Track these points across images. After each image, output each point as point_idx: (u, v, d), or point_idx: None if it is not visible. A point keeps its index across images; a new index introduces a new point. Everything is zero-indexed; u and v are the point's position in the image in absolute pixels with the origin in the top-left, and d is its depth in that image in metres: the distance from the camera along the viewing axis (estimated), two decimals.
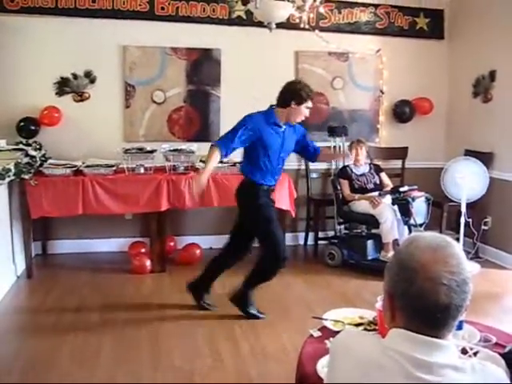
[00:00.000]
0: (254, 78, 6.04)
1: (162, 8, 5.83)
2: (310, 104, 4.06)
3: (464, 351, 1.82)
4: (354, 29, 6.34)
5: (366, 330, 2.13)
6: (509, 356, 1.68)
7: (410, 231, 5.27)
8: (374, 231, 5.63)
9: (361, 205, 5.45)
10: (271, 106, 4.13)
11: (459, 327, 1.91)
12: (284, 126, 4.10)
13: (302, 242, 6.34)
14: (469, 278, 1.27)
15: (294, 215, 5.62)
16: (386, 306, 1.35)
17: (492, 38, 5.92)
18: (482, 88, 6.07)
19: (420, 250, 1.29)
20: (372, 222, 5.36)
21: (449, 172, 5.56)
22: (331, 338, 2.02)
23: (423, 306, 1.25)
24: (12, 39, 5.53)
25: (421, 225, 5.23)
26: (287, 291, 4.92)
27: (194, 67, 5.99)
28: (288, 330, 3.97)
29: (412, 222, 5.15)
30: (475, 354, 1.81)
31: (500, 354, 1.75)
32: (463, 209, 5.56)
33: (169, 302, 4.54)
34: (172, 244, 5.79)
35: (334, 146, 6.16)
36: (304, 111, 4.06)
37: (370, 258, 5.45)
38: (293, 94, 4.01)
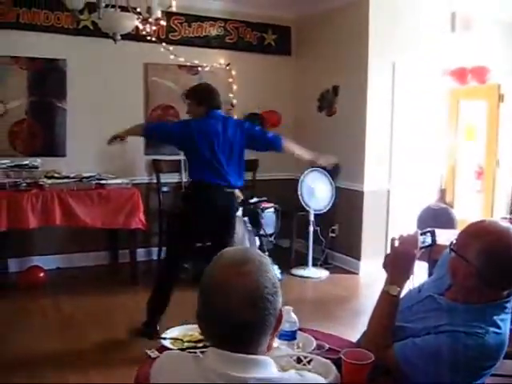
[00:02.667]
0: (103, 89, 5.86)
1: (1, 14, 5.46)
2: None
3: (299, 360, 1.85)
4: (204, 42, 6.39)
5: (205, 346, 2.09)
6: (339, 362, 1.73)
7: (261, 241, 5.38)
8: None
9: None
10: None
11: (292, 337, 1.94)
12: None
13: (155, 257, 6.22)
14: (271, 294, 1.28)
15: (145, 228, 5.48)
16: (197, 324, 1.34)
17: (334, 55, 6.25)
18: (327, 102, 6.36)
19: (217, 270, 1.29)
20: None
21: (304, 183, 5.77)
22: None
23: (224, 326, 1.25)
24: None
25: (271, 235, 5.36)
26: (141, 310, 4.78)
27: (36, 78, 5.67)
28: (140, 352, 3.85)
29: (262, 232, 5.26)
30: (309, 361, 1.84)
31: (333, 360, 1.80)
32: (311, 218, 5.78)
33: (13, 329, 4.22)
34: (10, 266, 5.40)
35: (185, 159, 6.10)
36: None
37: None
38: None
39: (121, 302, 4.92)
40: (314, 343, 2.02)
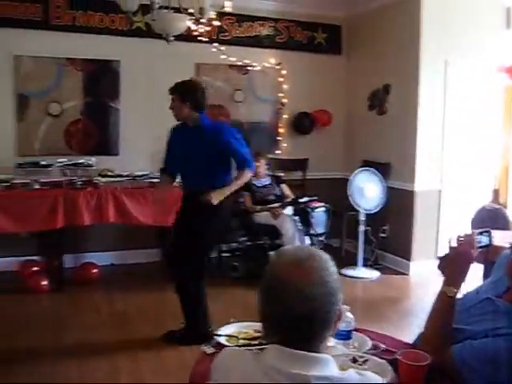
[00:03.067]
0: (155, 90, 5.93)
1: (58, 17, 5.64)
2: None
3: (354, 360, 1.85)
4: (255, 42, 6.42)
5: (260, 344, 2.11)
6: (394, 362, 1.73)
7: (312, 241, 5.38)
8: (276, 242, 5.68)
9: (263, 216, 5.49)
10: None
11: (348, 337, 1.94)
12: None
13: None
14: (334, 288, 1.29)
15: None
16: (261, 322, 1.35)
17: (385, 53, 6.18)
18: (377, 101, 6.30)
19: (281, 267, 1.30)
20: (274, 233, 5.41)
21: (353, 183, 5.72)
22: None
23: (289, 322, 1.26)
24: None
25: (321, 234, 5.35)
26: None
27: (91, 79, 5.83)
28: (190, 346, 3.91)
29: (312, 231, 5.26)
30: (365, 361, 1.84)
31: (388, 360, 1.79)
32: (362, 218, 5.73)
33: (68, 323, 4.35)
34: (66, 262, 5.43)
35: None
36: None
37: None
38: None
39: (171, 298, 4.99)
40: (370, 343, 2.02)
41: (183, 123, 4.01)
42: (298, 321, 1.26)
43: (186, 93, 3.88)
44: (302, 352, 1.26)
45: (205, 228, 3.87)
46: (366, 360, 1.84)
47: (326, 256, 1.35)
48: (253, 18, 6.40)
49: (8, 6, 5.45)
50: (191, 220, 3.92)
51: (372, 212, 5.80)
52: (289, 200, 5.63)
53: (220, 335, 2.18)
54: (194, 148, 3.91)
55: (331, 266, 1.33)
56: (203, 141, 3.87)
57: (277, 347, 1.28)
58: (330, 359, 1.30)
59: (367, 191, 5.73)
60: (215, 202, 3.76)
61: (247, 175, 4.00)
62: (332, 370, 1.28)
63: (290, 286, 1.26)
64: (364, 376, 1.32)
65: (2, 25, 5.46)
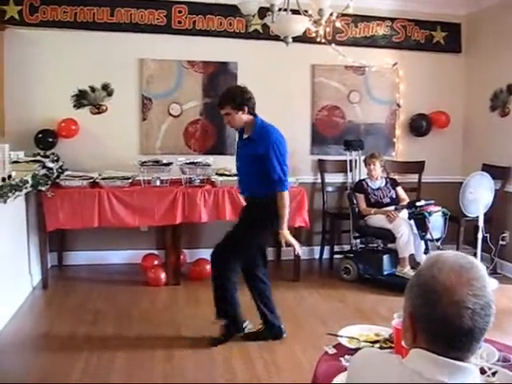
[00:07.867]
0: (271, 91, 6.02)
1: (179, 22, 5.88)
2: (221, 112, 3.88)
3: (482, 371, 1.78)
4: (371, 42, 6.34)
5: (381, 347, 2.10)
6: None
7: (427, 246, 5.23)
8: (390, 246, 5.61)
9: (377, 219, 5.40)
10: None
11: None
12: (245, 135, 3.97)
13: (317, 255, 6.31)
14: (492, 300, 1.25)
15: (308, 227, 5.62)
16: (406, 326, 1.32)
17: (510, 51, 5.88)
18: (500, 102, 6.02)
19: (444, 273, 1.25)
20: (388, 236, 5.33)
21: (465, 188, 5.48)
22: (346, 356, 2.01)
23: (447, 330, 1.23)
24: (31, 52, 5.62)
25: (437, 239, 5.18)
26: (302, 305, 4.90)
27: (210, 80, 6.02)
28: (303, 345, 3.94)
29: (428, 236, 5.12)
30: (494, 373, 1.77)
31: None
32: (481, 224, 5.49)
33: (184, 317, 4.51)
34: (182, 257, 5.61)
35: (350, 160, 6.14)
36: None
37: (385, 272, 5.39)
38: None
39: (282, 296, 5.04)
40: (498, 355, 1.94)
41: (239, 132, 4.02)
42: (458, 333, 1.22)
43: (240, 98, 3.77)
44: (450, 360, 1.22)
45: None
46: (495, 372, 1.77)
47: (481, 264, 1.30)
48: (369, 18, 6.32)
49: (135, 13, 5.77)
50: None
51: (487, 217, 5.48)
52: (405, 203, 5.50)
53: (341, 336, 2.19)
54: (245, 158, 3.94)
55: (487, 274, 1.29)
56: (253, 149, 3.82)
57: (422, 352, 1.26)
58: (475, 370, 1.26)
59: (477, 196, 5.37)
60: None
61: (283, 197, 3.78)
62: (474, 380, 1.24)
63: (453, 296, 1.22)
64: None
65: (129, 30, 5.78)
